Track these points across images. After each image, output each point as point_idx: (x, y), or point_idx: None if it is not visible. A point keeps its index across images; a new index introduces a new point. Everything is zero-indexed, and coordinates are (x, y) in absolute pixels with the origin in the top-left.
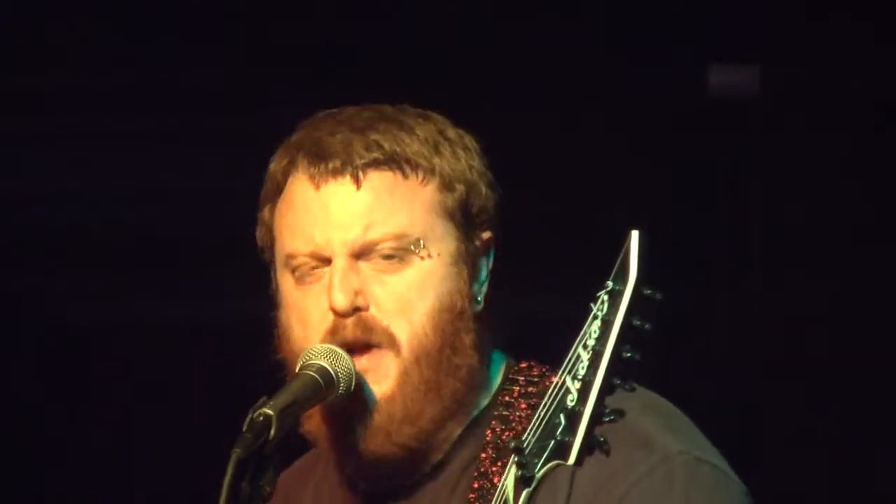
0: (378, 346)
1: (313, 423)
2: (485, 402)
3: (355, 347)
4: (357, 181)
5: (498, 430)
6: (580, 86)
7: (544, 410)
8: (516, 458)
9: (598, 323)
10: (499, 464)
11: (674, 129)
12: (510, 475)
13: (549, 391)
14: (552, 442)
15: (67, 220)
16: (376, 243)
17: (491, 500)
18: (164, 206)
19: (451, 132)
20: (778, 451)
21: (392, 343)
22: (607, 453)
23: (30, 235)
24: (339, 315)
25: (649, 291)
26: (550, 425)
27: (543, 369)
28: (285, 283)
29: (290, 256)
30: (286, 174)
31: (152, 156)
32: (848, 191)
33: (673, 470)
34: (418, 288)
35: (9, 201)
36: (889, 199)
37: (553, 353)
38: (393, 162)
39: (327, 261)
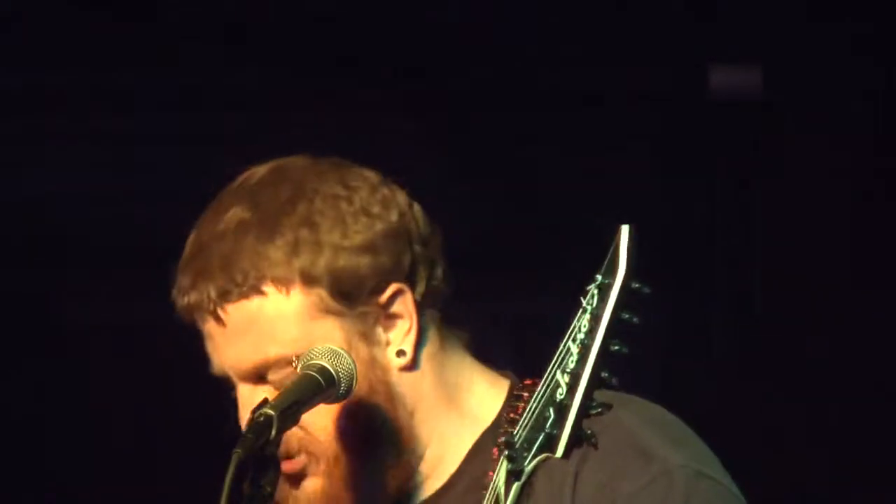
0: (296, 455)
1: None
2: (487, 422)
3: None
4: (219, 320)
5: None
6: (580, 86)
7: (535, 405)
8: (507, 452)
9: (587, 317)
10: None
11: (674, 129)
12: (502, 470)
13: (541, 386)
14: (541, 435)
15: (68, 220)
16: (259, 370)
17: None
18: (164, 206)
19: (325, 209)
20: (777, 451)
21: (311, 451)
22: (595, 447)
23: (30, 235)
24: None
25: (637, 285)
26: (540, 419)
27: None
28: None
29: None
30: None
31: (153, 156)
32: (848, 191)
33: (673, 483)
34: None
35: (9, 201)
36: (889, 199)
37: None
38: (249, 291)
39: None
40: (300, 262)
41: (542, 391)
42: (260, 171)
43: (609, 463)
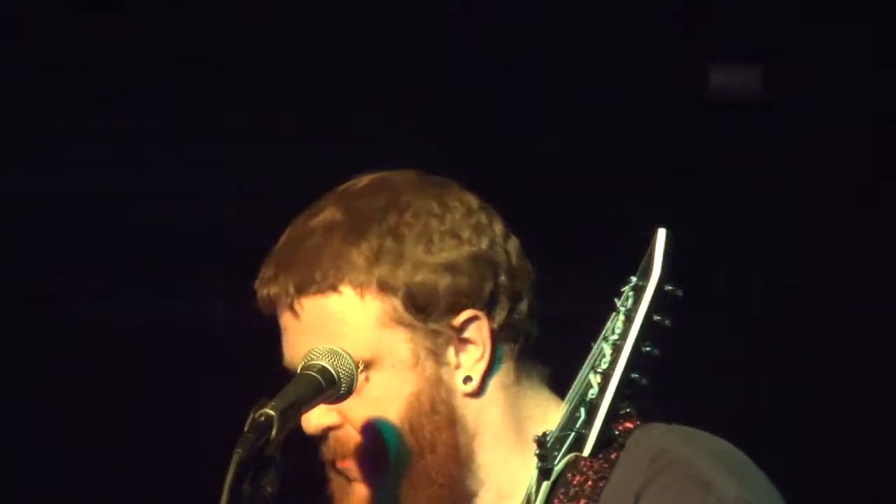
0: (359, 462)
1: None
2: None
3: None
4: (295, 314)
5: (568, 475)
6: (580, 87)
7: (569, 405)
8: (538, 452)
9: (621, 318)
10: (581, 501)
11: (674, 129)
12: (535, 470)
13: (574, 385)
14: (571, 434)
15: (68, 220)
16: None
17: None
18: (165, 206)
19: (414, 223)
20: (777, 451)
21: (368, 458)
22: (620, 448)
23: (30, 235)
24: (313, 437)
25: (671, 287)
26: (572, 419)
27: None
28: None
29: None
30: None
31: (152, 156)
32: (848, 191)
33: None
34: (376, 406)
35: (10, 201)
36: (890, 198)
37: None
38: (326, 288)
39: None
40: (380, 270)
41: (576, 391)
42: (364, 179)
43: (670, 491)
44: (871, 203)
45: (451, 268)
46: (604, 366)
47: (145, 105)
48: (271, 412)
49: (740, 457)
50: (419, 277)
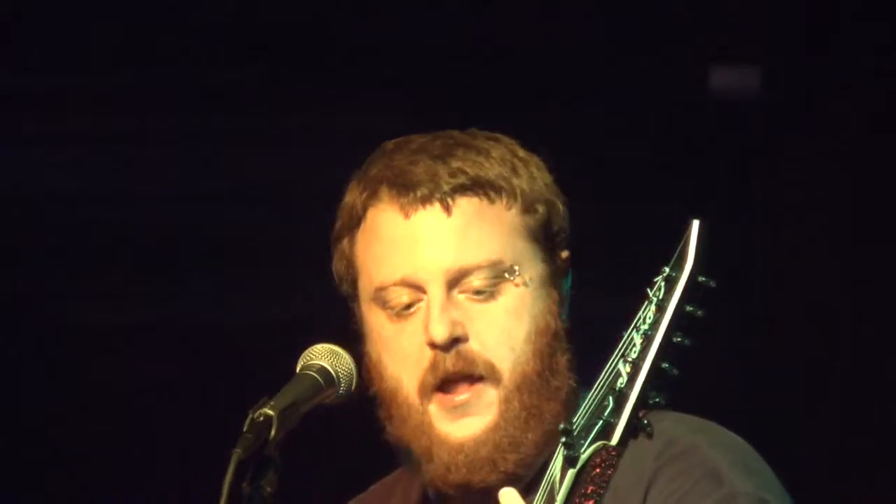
0: (479, 378)
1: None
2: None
3: (455, 379)
4: (447, 208)
5: (591, 463)
6: (580, 87)
7: (596, 393)
8: (564, 440)
9: (652, 308)
10: (590, 487)
11: (674, 129)
12: (559, 457)
13: (602, 374)
14: (599, 422)
15: (68, 220)
16: (470, 271)
17: None
18: (164, 206)
19: (522, 153)
20: (777, 451)
21: (493, 374)
22: (650, 436)
23: (30, 236)
24: (439, 348)
25: (704, 279)
26: (600, 407)
27: None
28: (375, 318)
29: (380, 289)
30: (366, 206)
31: (153, 156)
32: (848, 190)
33: None
34: (515, 315)
35: (9, 201)
36: (889, 198)
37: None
38: (479, 187)
39: (419, 289)
40: (519, 183)
41: (604, 379)
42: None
43: (683, 478)
44: (870, 203)
45: (566, 204)
46: (634, 355)
47: (145, 105)
48: (270, 412)
49: (752, 452)
50: (551, 199)
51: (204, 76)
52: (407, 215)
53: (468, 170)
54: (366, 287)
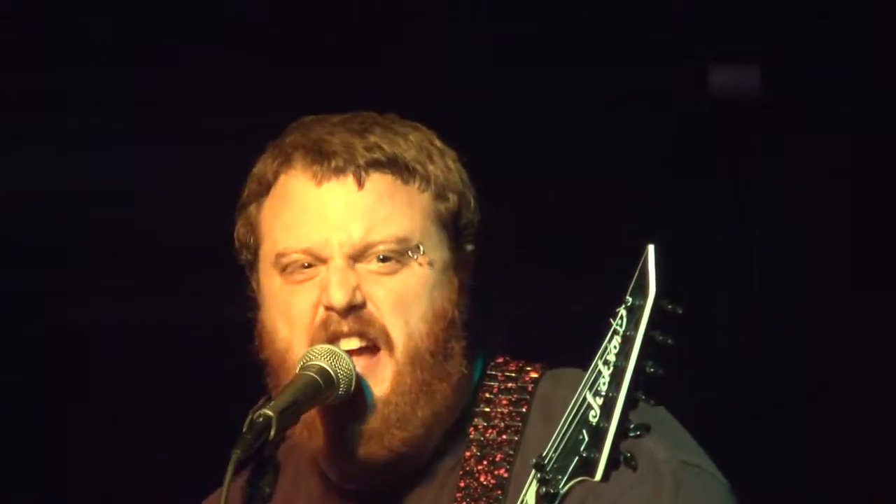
0: (372, 344)
1: (308, 425)
2: (466, 400)
3: (351, 351)
4: (359, 181)
5: (480, 427)
6: (580, 87)
7: (565, 427)
8: (538, 475)
9: (617, 339)
10: (484, 462)
11: (674, 129)
12: (530, 490)
13: (570, 408)
14: (576, 458)
15: (67, 220)
16: (375, 245)
17: (477, 498)
18: (164, 206)
19: (440, 143)
20: (777, 451)
21: (387, 342)
22: (634, 469)
23: (30, 236)
24: (336, 311)
25: (671, 306)
26: (573, 441)
27: (520, 364)
28: (271, 282)
29: (282, 255)
30: (277, 173)
31: (152, 156)
32: (848, 191)
33: (661, 479)
34: (414, 293)
35: (9, 201)
36: (889, 198)
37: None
38: (394, 165)
39: (322, 260)
40: (434, 169)
41: (573, 413)
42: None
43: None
44: (871, 203)
45: (478, 200)
46: (603, 388)
47: (143, 105)
48: (269, 413)
49: (655, 409)
50: (463, 191)
51: (202, 76)
52: (319, 183)
53: (385, 147)
54: (268, 253)
